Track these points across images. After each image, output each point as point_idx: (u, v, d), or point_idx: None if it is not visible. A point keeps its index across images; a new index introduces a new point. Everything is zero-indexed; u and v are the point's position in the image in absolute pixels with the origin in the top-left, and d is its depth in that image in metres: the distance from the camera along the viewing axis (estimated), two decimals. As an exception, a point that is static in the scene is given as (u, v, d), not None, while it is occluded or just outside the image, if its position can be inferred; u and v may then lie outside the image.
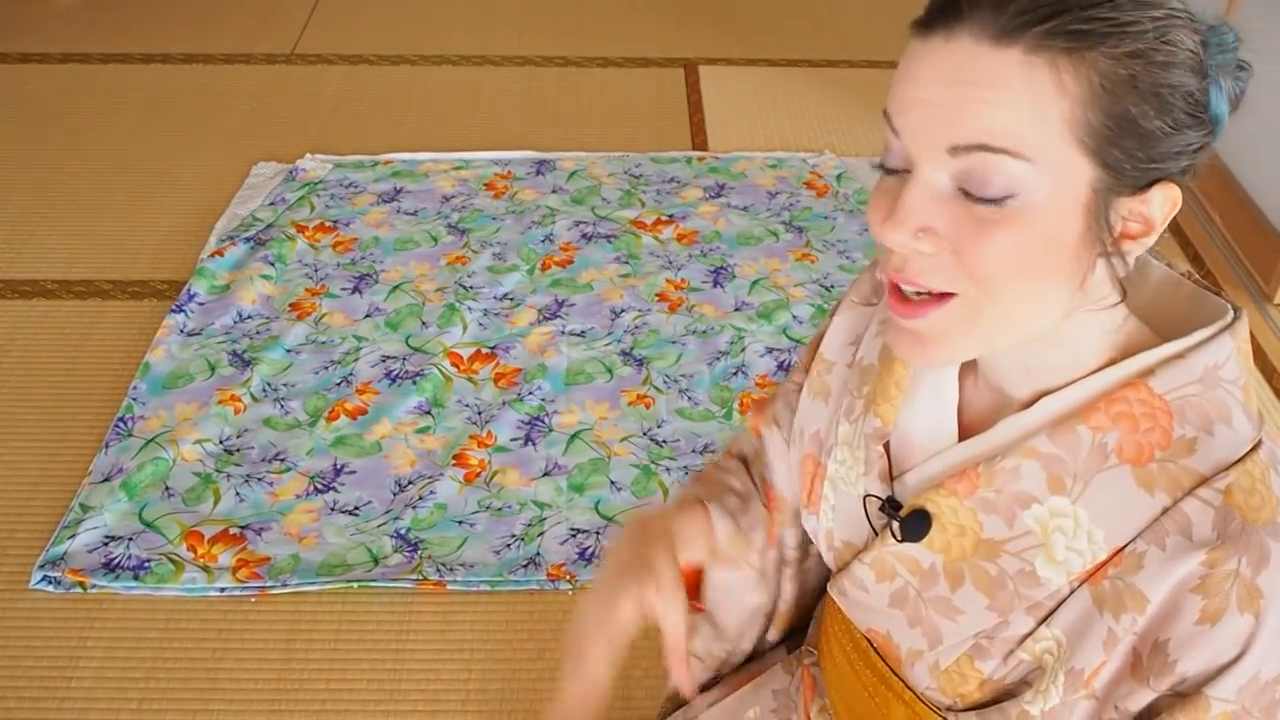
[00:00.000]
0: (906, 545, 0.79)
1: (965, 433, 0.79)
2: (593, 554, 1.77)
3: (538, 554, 1.77)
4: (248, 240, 2.43)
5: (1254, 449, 0.70)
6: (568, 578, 1.73)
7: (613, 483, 1.90)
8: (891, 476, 0.83)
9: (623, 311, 2.27)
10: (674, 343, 2.20)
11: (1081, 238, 0.66)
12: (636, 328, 2.23)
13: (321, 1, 3.60)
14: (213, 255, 2.38)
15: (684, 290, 2.34)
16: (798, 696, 1.04)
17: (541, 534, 1.80)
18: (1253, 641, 0.66)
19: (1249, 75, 0.71)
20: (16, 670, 1.60)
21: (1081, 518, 0.71)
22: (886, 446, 0.83)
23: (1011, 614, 0.75)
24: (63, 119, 2.93)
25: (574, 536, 1.80)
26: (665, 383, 2.10)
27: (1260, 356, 2.23)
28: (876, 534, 0.83)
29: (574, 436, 1.99)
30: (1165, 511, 0.69)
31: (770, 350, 2.17)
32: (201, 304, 2.26)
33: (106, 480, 1.87)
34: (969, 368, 0.80)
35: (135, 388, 2.05)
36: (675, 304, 2.30)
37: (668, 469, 1.92)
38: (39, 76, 3.13)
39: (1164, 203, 0.68)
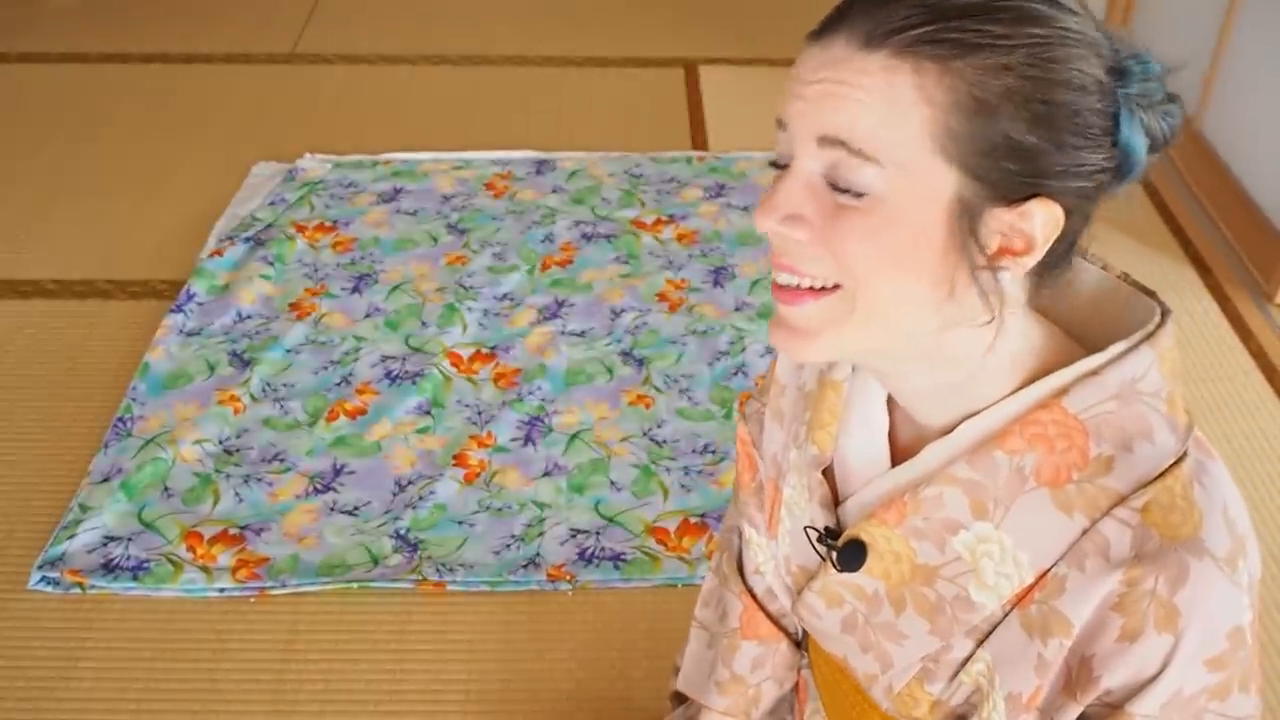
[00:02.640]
0: (848, 573, 0.80)
1: (900, 456, 0.78)
2: (593, 554, 1.77)
3: (537, 554, 1.77)
4: (247, 240, 2.43)
5: (1176, 463, 0.69)
6: (568, 578, 1.73)
7: (613, 483, 1.89)
8: (836, 502, 0.83)
9: (623, 311, 2.27)
10: (674, 343, 2.19)
11: (946, 242, 0.65)
12: (636, 328, 2.23)
13: (321, 1, 3.60)
14: (212, 255, 2.37)
15: (684, 290, 2.34)
16: (793, 698, 1.05)
17: (541, 534, 1.80)
18: (1171, 660, 0.66)
19: (1177, 114, 0.69)
20: (15, 671, 1.60)
21: (1006, 542, 0.71)
22: (827, 473, 0.84)
23: (953, 638, 0.75)
24: (63, 119, 2.93)
25: (574, 537, 1.80)
26: (665, 383, 2.10)
27: (1260, 356, 2.23)
28: (822, 561, 0.83)
29: (574, 437, 1.98)
30: (1084, 533, 0.69)
31: (770, 350, 2.17)
32: (201, 304, 2.26)
33: (106, 481, 1.87)
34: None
35: (135, 388, 2.05)
36: (675, 304, 2.30)
37: (668, 469, 1.92)
38: (39, 76, 3.13)
39: (1045, 221, 0.66)
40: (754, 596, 1.02)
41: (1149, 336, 0.71)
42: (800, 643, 1.04)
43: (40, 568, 1.72)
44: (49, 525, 1.80)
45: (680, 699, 1.16)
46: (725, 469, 1.92)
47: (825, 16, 0.68)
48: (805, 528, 0.84)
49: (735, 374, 2.12)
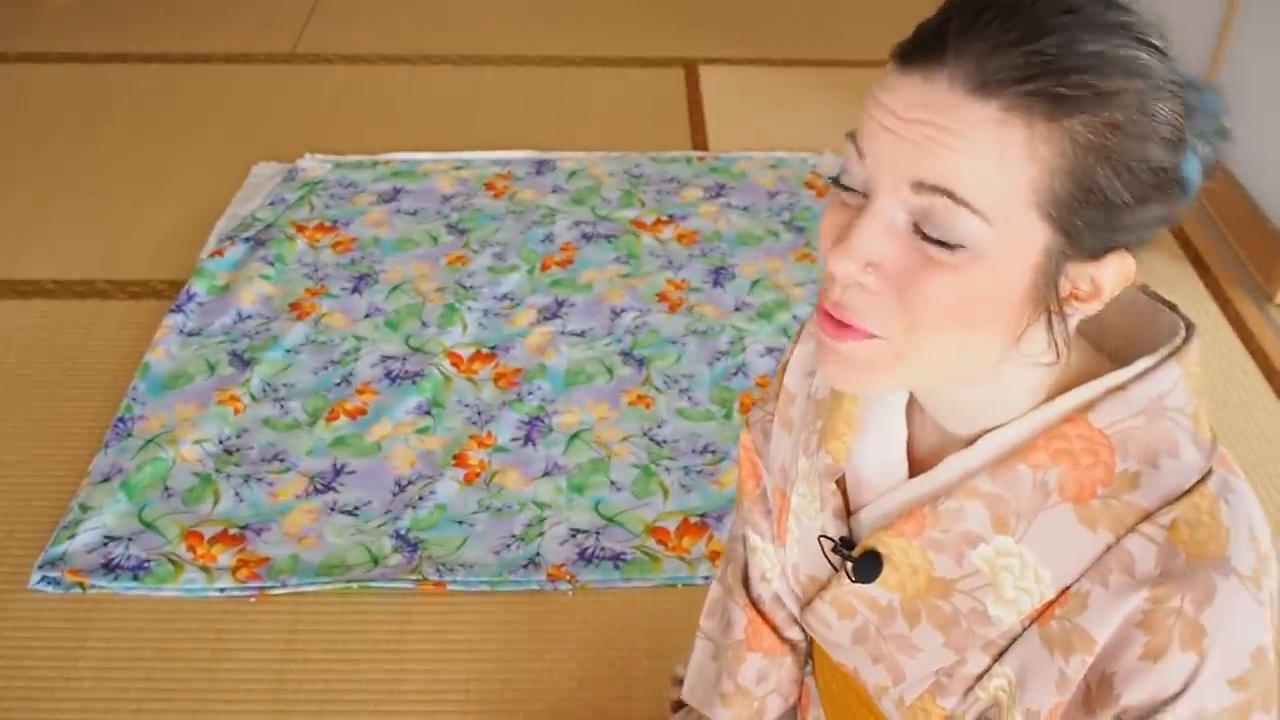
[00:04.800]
0: (862, 584, 0.79)
1: (917, 468, 0.77)
2: (593, 554, 1.77)
3: (537, 554, 1.77)
4: (247, 240, 2.43)
5: (1202, 480, 0.68)
6: (567, 578, 1.73)
7: (613, 483, 1.89)
8: (848, 513, 0.82)
9: (623, 311, 2.27)
10: (674, 343, 2.19)
11: (1025, 295, 0.64)
12: (636, 328, 2.23)
13: (321, 1, 3.60)
14: (212, 255, 2.37)
15: (684, 290, 2.34)
16: (795, 706, 1.05)
17: (541, 534, 1.80)
18: (1195, 679, 0.65)
19: (1226, 142, 0.68)
20: (15, 671, 1.60)
21: (1027, 557, 0.70)
22: (840, 483, 0.83)
23: (968, 652, 0.74)
24: (63, 119, 2.93)
25: (574, 536, 1.80)
26: (665, 383, 2.10)
27: (1260, 356, 2.23)
28: (835, 571, 0.82)
29: (574, 437, 1.98)
30: (1109, 549, 0.68)
31: (770, 350, 2.16)
32: (201, 304, 2.26)
33: (106, 480, 1.86)
34: (916, 404, 0.79)
35: (135, 388, 2.05)
36: (675, 304, 2.30)
37: (668, 469, 1.92)
38: (39, 76, 3.13)
39: (1118, 271, 0.66)
40: (758, 609, 1.01)
41: (1175, 352, 0.70)
42: (805, 653, 1.04)
43: (40, 567, 1.72)
44: (49, 525, 1.80)
45: (679, 707, 1.16)
46: (725, 469, 1.92)
47: (922, 35, 0.63)
48: (820, 537, 0.83)
49: (735, 374, 2.12)
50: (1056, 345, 0.66)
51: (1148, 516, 0.67)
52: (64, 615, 1.68)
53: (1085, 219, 0.62)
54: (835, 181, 0.67)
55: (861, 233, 0.64)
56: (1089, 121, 0.60)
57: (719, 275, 2.38)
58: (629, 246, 2.46)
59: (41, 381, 2.10)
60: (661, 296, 2.32)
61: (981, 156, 0.60)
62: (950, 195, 0.61)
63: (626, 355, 2.17)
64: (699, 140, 2.91)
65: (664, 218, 2.56)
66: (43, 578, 1.72)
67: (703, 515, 1.83)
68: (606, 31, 3.45)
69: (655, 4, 3.62)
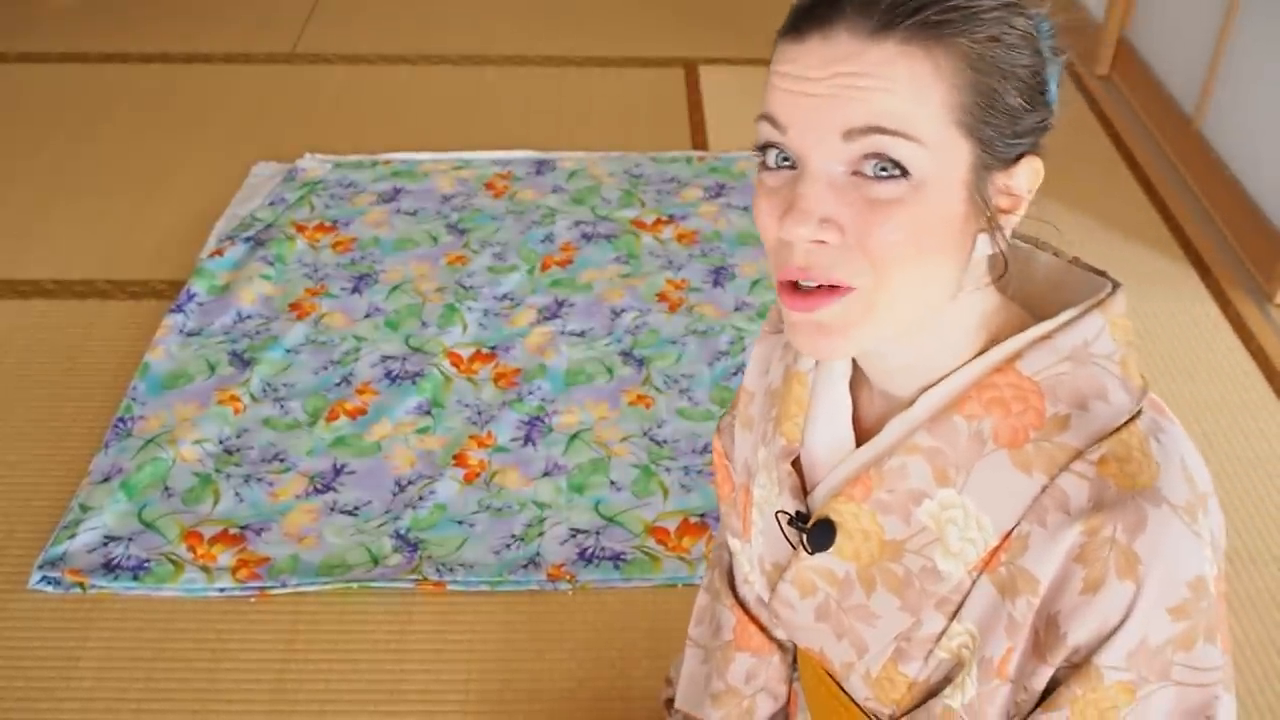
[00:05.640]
0: (820, 557, 0.80)
1: (864, 438, 0.80)
2: (593, 554, 1.77)
3: (537, 554, 1.77)
4: (247, 240, 2.43)
5: (1131, 420, 0.70)
6: (567, 578, 1.73)
7: (613, 483, 1.89)
8: (805, 493, 0.84)
9: (623, 311, 2.27)
10: (674, 343, 2.19)
11: (964, 215, 0.68)
12: (636, 328, 2.23)
13: (321, 1, 3.60)
14: (212, 255, 2.37)
15: (684, 290, 2.34)
16: (785, 710, 1.06)
17: (541, 534, 1.80)
18: (1134, 607, 0.67)
19: (1062, 61, 0.73)
20: (15, 671, 1.60)
21: (969, 506, 0.73)
22: (795, 464, 0.85)
23: (923, 612, 0.76)
24: (63, 119, 2.93)
25: (574, 536, 1.80)
26: (665, 383, 2.10)
27: (1260, 356, 2.23)
28: (794, 549, 0.84)
29: (574, 437, 1.98)
30: (1044, 490, 0.70)
31: (770, 350, 2.16)
32: (201, 304, 2.26)
33: (106, 480, 1.87)
34: (860, 377, 0.81)
35: (135, 388, 2.05)
36: (675, 304, 2.30)
37: (668, 469, 1.92)
38: (39, 76, 3.13)
39: (1029, 175, 0.70)
40: (745, 609, 1.02)
41: (1099, 304, 0.73)
42: (793, 653, 1.04)
43: (40, 567, 1.72)
44: (49, 525, 1.80)
45: (671, 704, 1.17)
46: (725, 469, 1.92)
47: (799, 13, 0.68)
48: (776, 513, 0.85)
49: (735, 374, 2.12)
50: (1004, 256, 0.71)
51: (1079, 455, 0.70)
52: (64, 615, 1.68)
53: (994, 126, 0.67)
54: (763, 166, 0.70)
55: (807, 194, 0.67)
56: (975, 37, 0.66)
57: (719, 275, 2.38)
58: (629, 246, 2.46)
59: (41, 381, 2.10)
60: (661, 296, 2.32)
61: (897, 89, 0.65)
62: (882, 130, 0.65)
63: (626, 355, 2.17)
64: (699, 140, 2.91)
65: (664, 218, 2.56)
66: (43, 578, 1.72)
67: (703, 515, 1.83)
68: (606, 31, 3.46)
69: (655, 4, 3.62)
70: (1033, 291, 0.79)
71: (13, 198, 2.62)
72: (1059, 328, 0.73)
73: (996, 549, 0.72)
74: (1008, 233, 0.71)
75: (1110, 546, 0.67)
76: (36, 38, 3.31)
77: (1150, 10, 3.04)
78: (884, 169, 0.66)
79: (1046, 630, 0.70)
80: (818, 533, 0.79)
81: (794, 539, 0.83)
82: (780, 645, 1.03)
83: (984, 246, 0.71)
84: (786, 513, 0.83)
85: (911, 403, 0.75)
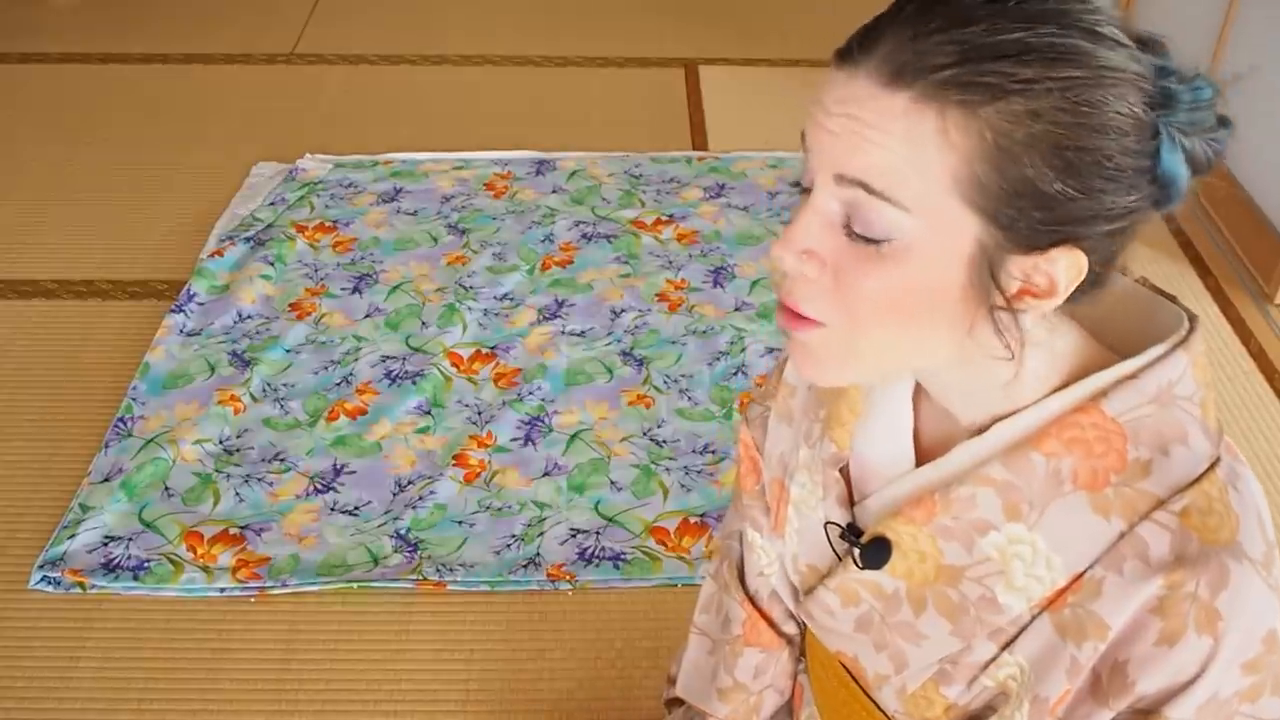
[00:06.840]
0: (869, 571, 0.78)
1: (923, 456, 0.78)
2: (593, 554, 1.77)
3: (537, 554, 1.77)
4: (247, 240, 2.43)
5: (1211, 468, 0.68)
6: (567, 578, 1.73)
7: (613, 483, 1.89)
8: (852, 501, 0.82)
9: (623, 311, 2.27)
10: (674, 343, 2.19)
11: (965, 290, 0.64)
12: (636, 328, 2.23)
13: (321, 1, 3.60)
14: (212, 255, 2.38)
15: (684, 290, 2.34)
16: (789, 703, 1.05)
17: (541, 534, 1.80)
18: (1211, 662, 0.66)
19: (1228, 133, 0.66)
20: (15, 670, 1.60)
21: (1039, 544, 0.71)
22: (844, 472, 0.83)
23: (974, 639, 0.75)
24: (63, 119, 2.93)
25: (574, 536, 1.80)
26: (665, 383, 2.10)
27: (1260, 356, 2.23)
28: (840, 559, 0.82)
29: (574, 436, 1.98)
30: (1122, 536, 0.68)
31: (770, 350, 2.16)
32: (201, 304, 2.26)
33: (106, 480, 1.87)
34: (922, 391, 0.79)
35: (135, 388, 2.05)
36: (675, 304, 2.30)
37: (668, 469, 1.92)
38: (39, 76, 3.13)
39: (1068, 267, 0.64)
40: (755, 604, 1.01)
41: (1182, 342, 0.71)
42: (800, 649, 1.04)
43: (41, 567, 1.72)
44: (49, 525, 1.80)
45: (674, 704, 1.16)
46: (725, 469, 1.92)
47: (855, 34, 0.64)
48: (826, 524, 0.83)
49: (735, 374, 2.12)
50: (1006, 340, 0.66)
51: (1160, 504, 0.68)
52: (64, 615, 1.68)
53: (1018, 210, 0.62)
54: (795, 183, 0.70)
55: (797, 224, 0.66)
56: (1005, 109, 0.60)
57: (719, 275, 2.38)
58: (629, 246, 2.46)
59: (42, 381, 2.10)
60: (661, 296, 2.32)
61: (894, 148, 0.61)
62: (866, 188, 0.62)
63: (626, 355, 2.17)
64: (699, 140, 2.91)
65: (664, 218, 2.56)
66: (43, 578, 1.72)
67: (703, 515, 1.83)
68: (606, 31, 3.45)
69: (655, 4, 3.62)
70: (1100, 311, 0.73)
71: (13, 198, 2.62)
72: (1145, 366, 0.69)
73: (1064, 590, 0.70)
74: (1030, 317, 0.66)
75: (1191, 602, 0.66)
76: (37, 38, 3.31)
77: (1150, 10, 3.04)
78: (862, 230, 0.63)
79: (1111, 675, 0.68)
80: (873, 550, 0.77)
81: (841, 549, 0.81)
82: (788, 641, 1.02)
83: (1031, 323, 0.67)
84: (838, 525, 0.81)
85: (981, 430, 0.72)
